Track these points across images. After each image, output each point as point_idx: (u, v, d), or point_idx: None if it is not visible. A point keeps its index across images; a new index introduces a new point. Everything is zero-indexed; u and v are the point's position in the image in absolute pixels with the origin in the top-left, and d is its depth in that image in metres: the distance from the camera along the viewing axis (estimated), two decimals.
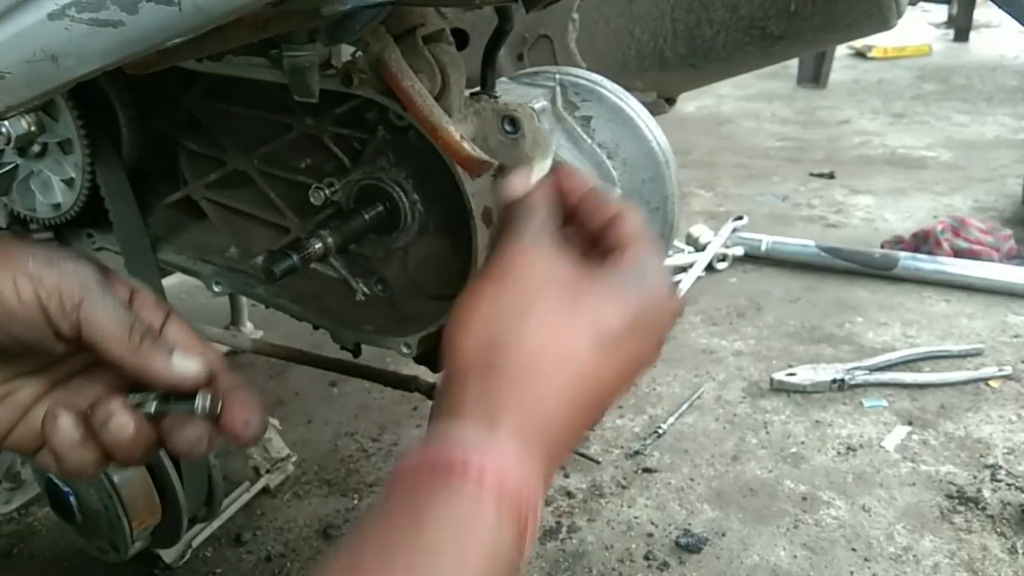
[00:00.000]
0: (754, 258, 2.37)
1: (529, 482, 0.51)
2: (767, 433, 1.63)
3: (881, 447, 1.58)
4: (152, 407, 0.61)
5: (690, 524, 1.40)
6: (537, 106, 0.84)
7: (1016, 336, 1.95)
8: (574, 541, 1.37)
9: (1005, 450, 1.56)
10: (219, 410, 0.60)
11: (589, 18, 1.22)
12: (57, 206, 1.07)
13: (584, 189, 0.64)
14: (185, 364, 0.60)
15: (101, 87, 1.00)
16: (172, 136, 1.04)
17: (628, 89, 0.88)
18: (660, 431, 1.62)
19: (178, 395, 0.61)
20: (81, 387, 0.65)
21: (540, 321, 0.56)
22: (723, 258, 2.34)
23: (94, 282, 0.60)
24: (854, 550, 1.33)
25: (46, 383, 0.65)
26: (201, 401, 0.60)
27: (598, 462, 1.52)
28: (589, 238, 0.62)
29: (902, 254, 2.24)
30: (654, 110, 0.93)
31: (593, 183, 0.65)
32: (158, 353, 0.60)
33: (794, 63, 4.31)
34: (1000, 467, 1.51)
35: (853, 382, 1.75)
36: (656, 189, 0.88)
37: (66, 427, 0.60)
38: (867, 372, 1.78)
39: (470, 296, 0.59)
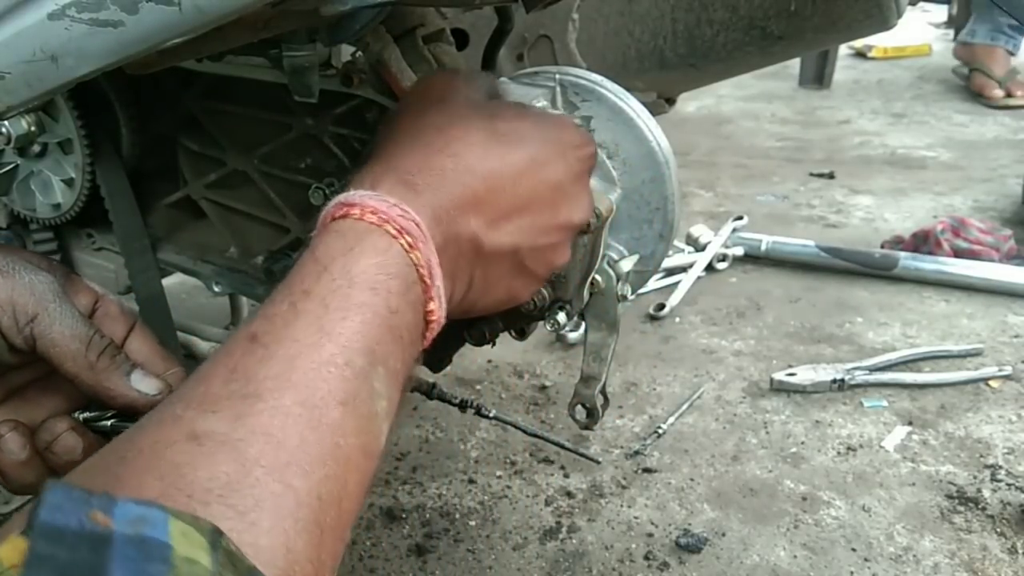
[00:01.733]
0: (754, 258, 2.37)
1: (410, 223, 0.54)
2: (767, 433, 1.63)
3: (881, 447, 1.58)
4: (108, 424, 0.61)
5: (690, 524, 1.40)
6: (537, 106, 0.84)
7: (1016, 336, 1.95)
8: (574, 541, 1.37)
9: (1005, 450, 1.56)
10: None
11: (589, 18, 1.22)
12: (57, 206, 1.07)
13: None
14: (142, 384, 0.60)
15: (101, 87, 1.00)
16: (172, 136, 1.05)
17: (628, 89, 0.88)
18: (660, 431, 1.62)
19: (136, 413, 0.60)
20: (37, 398, 0.64)
21: (436, 114, 0.61)
22: (723, 258, 2.34)
23: (51, 295, 0.59)
24: (854, 550, 1.33)
25: (2, 391, 0.63)
26: None
27: (598, 462, 1.52)
28: None
29: (902, 254, 2.24)
30: (654, 110, 0.93)
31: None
32: (115, 372, 0.60)
33: (795, 63, 4.31)
34: (1000, 467, 1.51)
35: (853, 382, 1.75)
36: (656, 189, 0.88)
37: (12, 447, 0.59)
38: (867, 372, 1.78)
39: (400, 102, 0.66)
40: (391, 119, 0.64)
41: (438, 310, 0.56)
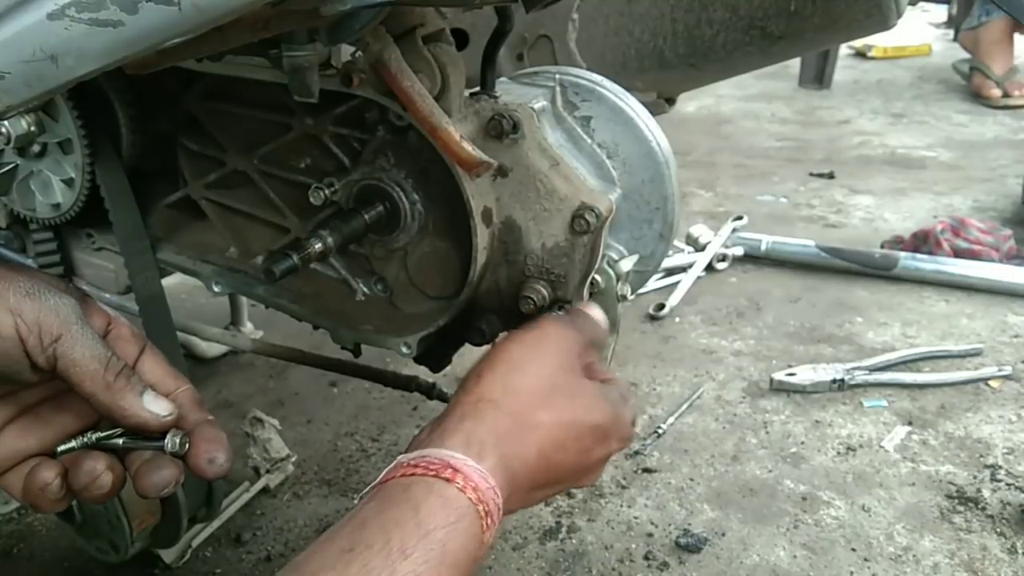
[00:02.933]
0: (754, 258, 2.37)
1: (495, 508, 0.64)
2: (767, 433, 1.63)
3: (881, 447, 1.58)
4: (120, 441, 0.64)
5: (690, 524, 1.40)
6: (537, 106, 0.84)
7: (1016, 336, 1.95)
8: (574, 541, 1.37)
9: (1005, 450, 1.56)
10: (187, 447, 0.64)
11: (589, 18, 1.22)
12: (57, 206, 1.07)
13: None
14: (154, 405, 0.63)
15: (101, 87, 1.00)
16: (172, 136, 1.04)
17: (628, 89, 0.88)
18: (660, 431, 1.62)
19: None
20: (49, 416, 0.66)
21: (544, 398, 0.71)
22: (723, 258, 2.34)
23: (75, 317, 0.62)
24: (854, 550, 1.33)
25: (15, 408, 0.66)
26: (171, 440, 0.63)
27: None
28: None
29: (902, 254, 2.24)
30: (654, 110, 0.93)
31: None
32: (130, 393, 0.62)
33: (795, 63, 4.31)
34: (1000, 467, 1.51)
35: (853, 382, 1.75)
36: (656, 189, 0.88)
37: (54, 489, 0.64)
38: (867, 372, 1.78)
39: (506, 344, 0.75)
40: (502, 373, 0.72)
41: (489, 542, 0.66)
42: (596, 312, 0.83)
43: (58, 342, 0.60)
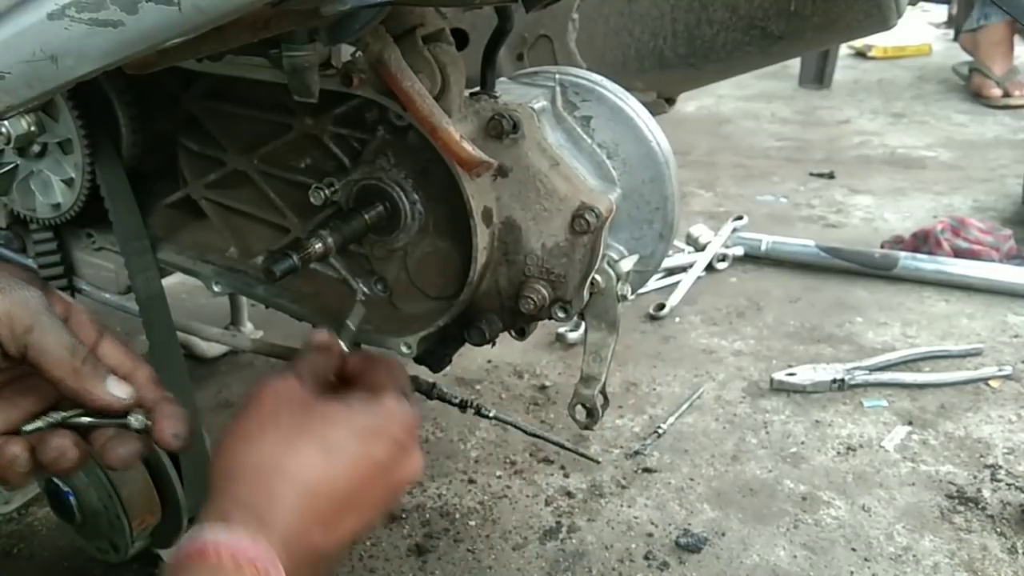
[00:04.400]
0: (754, 258, 2.37)
1: (262, 555, 0.62)
2: (767, 433, 1.63)
3: (881, 447, 1.58)
4: (85, 420, 0.69)
5: (690, 524, 1.40)
6: (537, 106, 0.84)
7: (1016, 336, 1.95)
8: (574, 541, 1.37)
9: (1005, 450, 1.56)
10: (150, 424, 0.69)
11: (589, 18, 1.22)
12: (57, 206, 1.07)
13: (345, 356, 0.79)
14: (117, 389, 0.68)
15: (101, 87, 1.00)
16: (172, 136, 1.04)
17: (628, 89, 0.88)
18: (660, 431, 1.62)
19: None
20: (14, 398, 0.70)
21: (268, 438, 0.68)
22: (723, 258, 2.34)
23: (43, 308, 0.66)
24: (854, 550, 1.33)
25: None
26: (135, 418, 0.68)
27: (598, 462, 1.52)
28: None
29: (902, 254, 2.24)
30: (654, 110, 0.93)
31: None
32: (95, 378, 0.67)
33: (795, 63, 4.30)
34: (1000, 467, 1.51)
35: (853, 382, 1.75)
36: (656, 189, 0.88)
37: (22, 462, 0.67)
38: (867, 372, 1.78)
39: (230, 423, 0.71)
40: (226, 447, 0.70)
41: None
42: (321, 336, 0.79)
43: (29, 333, 0.65)
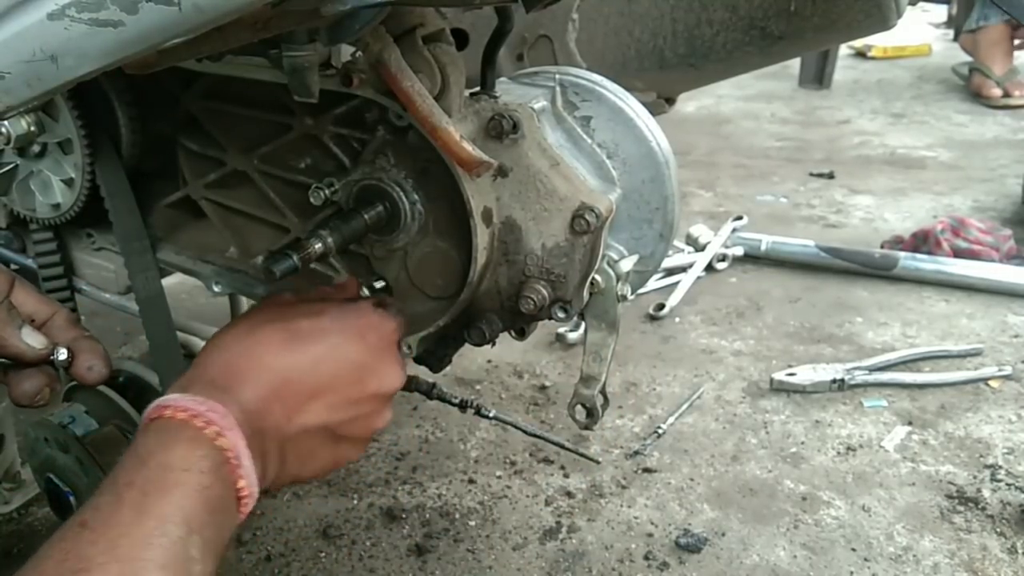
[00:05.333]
0: (754, 258, 2.37)
1: (216, 415, 0.63)
2: (767, 433, 1.63)
3: (881, 447, 1.58)
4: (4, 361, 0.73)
5: (690, 524, 1.40)
6: (537, 106, 0.84)
7: (1016, 336, 1.95)
8: (574, 541, 1.37)
9: (1005, 450, 1.56)
10: (71, 359, 0.73)
11: (589, 18, 1.22)
12: (57, 206, 1.07)
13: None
14: (31, 338, 0.73)
15: (101, 87, 1.00)
16: (172, 136, 1.04)
17: (628, 89, 0.88)
18: (660, 431, 1.62)
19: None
20: None
21: (240, 327, 0.72)
22: (723, 258, 2.34)
23: None
24: (854, 550, 1.33)
25: None
26: (57, 355, 0.73)
27: (598, 462, 1.52)
28: None
29: (902, 254, 2.24)
30: (654, 110, 0.93)
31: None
32: (10, 326, 0.71)
33: (795, 63, 4.31)
34: (1000, 467, 1.51)
35: (853, 382, 1.75)
36: (656, 189, 0.88)
37: None
38: (867, 372, 1.78)
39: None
40: (213, 335, 0.74)
41: (249, 486, 0.65)
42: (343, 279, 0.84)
43: None
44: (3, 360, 0.72)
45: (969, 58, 4.07)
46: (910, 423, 1.64)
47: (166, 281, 1.12)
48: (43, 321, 0.75)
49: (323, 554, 1.36)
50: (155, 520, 0.57)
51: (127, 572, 0.55)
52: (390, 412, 0.80)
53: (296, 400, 0.70)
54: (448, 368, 1.02)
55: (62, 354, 0.73)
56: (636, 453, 1.57)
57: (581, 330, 1.85)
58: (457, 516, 1.43)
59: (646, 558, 1.33)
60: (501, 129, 0.81)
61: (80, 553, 0.56)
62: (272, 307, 0.76)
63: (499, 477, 1.52)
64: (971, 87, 4.00)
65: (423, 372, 1.03)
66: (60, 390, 0.76)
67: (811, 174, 3.09)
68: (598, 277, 0.86)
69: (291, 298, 0.78)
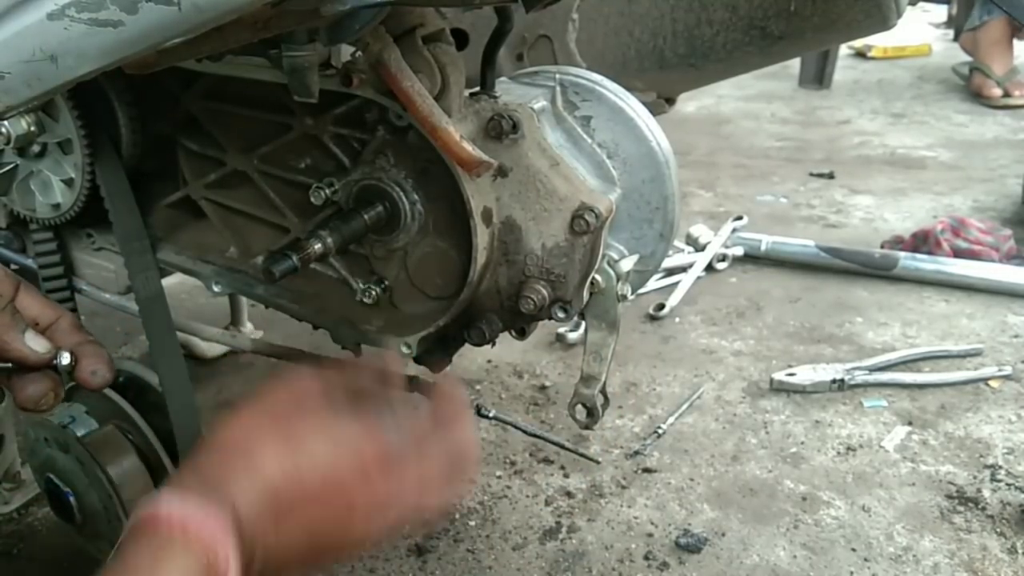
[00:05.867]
0: (754, 258, 2.37)
1: (215, 529, 0.61)
2: (767, 433, 1.63)
3: (881, 447, 1.58)
4: (10, 365, 0.72)
5: (690, 524, 1.40)
6: (537, 106, 0.84)
7: (1016, 336, 1.95)
8: (574, 541, 1.37)
9: (1005, 450, 1.56)
10: (75, 364, 0.73)
11: (589, 18, 1.22)
12: (57, 206, 1.07)
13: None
14: (34, 342, 0.71)
15: (101, 87, 1.00)
16: (172, 136, 1.04)
17: (628, 89, 0.88)
18: (660, 431, 1.62)
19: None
20: None
21: (250, 422, 0.68)
22: (723, 258, 2.34)
23: None
24: (854, 550, 1.33)
25: None
26: (61, 359, 0.72)
27: (598, 462, 1.52)
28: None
29: (902, 254, 2.24)
30: (654, 110, 0.93)
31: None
32: (13, 329, 0.70)
33: (795, 63, 4.30)
34: (1000, 467, 1.51)
35: (853, 382, 1.75)
36: (656, 189, 0.88)
37: None
38: (867, 372, 1.78)
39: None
40: (221, 422, 0.70)
41: None
42: (385, 359, 0.78)
43: None
44: (7, 364, 0.72)
45: (969, 58, 4.07)
46: (910, 423, 1.64)
47: (166, 281, 1.12)
48: (47, 325, 0.75)
49: None
50: None
51: None
52: (374, 532, 0.74)
53: (283, 511, 0.67)
54: (448, 368, 1.02)
55: (65, 358, 0.73)
56: (636, 453, 1.57)
57: (581, 330, 1.85)
58: (457, 516, 1.43)
59: (646, 558, 1.33)
60: (501, 129, 0.81)
61: None
62: (283, 399, 0.71)
63: (499, 477, 1.52)
64: (971, 87, 4.00)
65: (423, 372, 1.03)
66: (63, 395, 0.75)
67: (811, 174, 3.09)
68: (598, 277, 0.86)
69: (310, 383, 0.72)
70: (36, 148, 1.04)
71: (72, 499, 1.11)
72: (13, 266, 1.21)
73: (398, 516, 0.73)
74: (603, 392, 0.94)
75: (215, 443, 0.68)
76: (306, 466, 0.68)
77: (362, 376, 0.75)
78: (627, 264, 0.88)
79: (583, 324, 0.91)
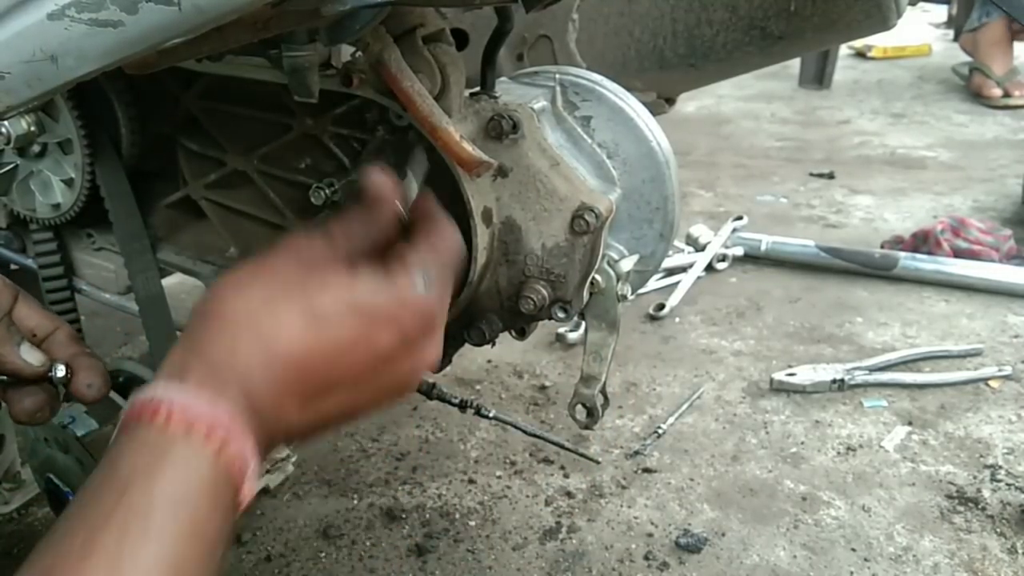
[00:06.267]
0: (754, 258, 2.37)
1: (222, 420, 0.53)
2: (767, 433, 1.63)
3: (881, 447, 1.58)
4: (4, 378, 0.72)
5: (690, 524, 1.40)
6: (537, 106, 0.84)
7: (1016, 336, 1.95)
8: (574, 541, 1.37)
9: (1005, 450, 1.56)
10: (69, 376, 0.72)
11: (589, 18, 1.22)
12: (57, 206, 1.07)
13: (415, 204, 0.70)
14: (29, 355, 0.70)
15: (101, 87, 1.00)
16: (172, 136, 1.04)
17: (628, 89, 0.88)
18: (660, 431, 1.62)
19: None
20: None
21: (254, 292, 0.59)
22: (723, 258, 2.34)
23: None
24: (854, 550, 1.33)
25: None
26: (56, 371, 0.72)
27: (598, 462, 1.52)
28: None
29: (902, 254, 2.24)
30: (654, 110, 0.93)
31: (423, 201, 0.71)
32: (8, 343, 0.70)
33: (795, 63, 4.31)
34: (1000, 467, 1.51)
35: (853, 382, 1.75)
36: (656, 189, 0.88)
37: None
38: (867, 372, 1.78)
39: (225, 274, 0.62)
40: (215, 290, 0.61)
41: (250, 492, 0.55)
42: (378, 185, 0.67)
43: None
44: (2, 377, 0.72)
45: (969, 59, 4.07)
46: (910, 423, 1.64)
47: (166, 281, 1.12)
48: (44, 336, 0.73)
49: (323, 554, 1.36)
50: (137, 572, 0.47)
51: None
52: (414, 386, 0.70)
53: (313, 393, 0.60)
54: (448, 368, 1.02)
55: (60, 371, 0.73)
56: (636, 453, 1.57)
57: (581, 330, 1.85)
58: (457, 516, 1.43)
59: (646, 558, 1.33)
60: (501, 129, 0.81)
61: None
62: (291, 265, 0.62)
63: (499, 477, 1.52)
64: (971, 87, 4.00)
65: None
66: (60, 407, 0.75)
67: (811, 174, 3.09)
68: (598, 277, 0.86)
69: (316, 245, 0.64)
70: (36, 148, 1.04)
71: (72, 499, 1.11)
72: (13, 266, 1.21)
73: (425, 370, 0.66)
74: (603, 392, 0.94)
75: (215, 316, 0.59)
76: (321, 334, 0.59)
77: (358, 224, 0.66)
78: (627, 264, 0.88)
79: (583, 324, 0.91)
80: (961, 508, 1.42)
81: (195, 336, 0.58)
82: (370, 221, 0.66)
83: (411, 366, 0.64)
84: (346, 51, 0.85)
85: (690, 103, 4.01)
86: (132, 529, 0.48)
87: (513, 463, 1.55)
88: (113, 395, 1.06)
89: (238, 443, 0.53)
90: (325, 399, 0.60)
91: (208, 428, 0.52)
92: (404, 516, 1.43)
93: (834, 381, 1.75)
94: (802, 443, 1.60)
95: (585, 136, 0.87)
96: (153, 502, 0.49)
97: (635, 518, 1.42)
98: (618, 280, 0.87)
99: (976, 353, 1.87)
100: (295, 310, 0.59)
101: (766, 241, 2.35)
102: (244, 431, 0.54)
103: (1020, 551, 1.32)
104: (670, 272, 2.25)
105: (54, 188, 1.06)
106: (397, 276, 0.63)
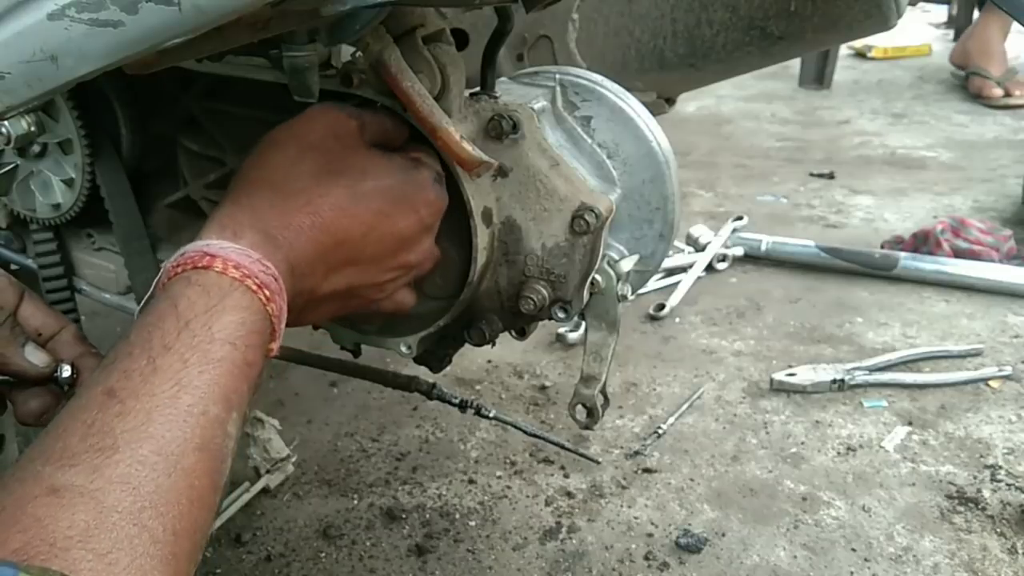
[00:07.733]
0: (754, 258, 2.37)
1: (270, 281, 0.60)
2: (767, 433, 1.63)
3: (881, 447, 1.58)
4: (10, 379, 0.71)
5: (690, 524, 1.40)
6: (537, 106, 0.84)
7: (1016, 336, 1.95)
8: (574, 541, 1.37)
9: (1005, 450, 1.56)
10: (75, 377, 0.71)
11: (589, 18, 1.22)
12: (57, 206, 1.07)
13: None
14: (34, 356, 0.70)
15: (101, 87, 1.00)
16: (172, 136, 1.04)
17: (628, 89, 0.88)
18: (660, 431, 1.62)
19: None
20: None
21: (306, 166, 0.67)
22: (723, 258, 2.34)
23: None
24: (854, 550, 1.33)
25: None
26: (61, 372, 0.71)
27: (598, 462, 1.52)
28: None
29: (902, 254, 2.24)
30: (654, 110, 0.93)
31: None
32: (13, 343, 0.69)
33: (795, 63, 4.30)
34: (1000, 467, 1.51)
35: (853, 382, 1.75)
36: (656, 189, 0.88)
37: None
38: (867, 372, 1.78)
39: (271, 132, 0.71)
40: (262, 154, 0.69)
41: (277, 346, 0.62)
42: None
43: None
44: (7, 378, 0.71)
45: (961, 72, 4.06)
46: (910, 423, 1.64)
47: None
48: (50, 336, 0.73)
49: (323, 554, 1.36)
50: (193, 396, 0.53)
51: (160, 450, 0.50)
52: (410, 294, 0.81)
53: (336, 263, 0.67)
54: (448, 368, 1.02)
55: (66, 371, 0.72)
56: (636, 453, 1.57)
57: (581, 330, 1.85)
58: (457, 516, 1.43)
59: (646, 558, 1.33)
60: (501, 129, 0.81)
61: (107, 427, 0.50)
62: (331, 142, 0.70)
63: (499, 477, 1.52)
64: (971, 89, 3.99)
65: (423, 372, 1.03)
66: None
67: (811, 174, 3.09)
68: (598, 277, 0.86)
69: (351, 126, 0.72)
70: (36, 148, 1.04)
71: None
72: (13, 266, 1.21)
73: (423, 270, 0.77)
74: (603, 392, 0.94)
75: (267, 184, 0.66)
76: (359, 210, 0.67)
77: (382, 122, 0.75)
78: (627, 264, 0.88)
79: (583, 324, 0.91)
80: (961, 508, 1.42)
81: (248, 198, 0.65)
82: (391, 124, 0.75)
83: (413, 250, 0.73)
84: (346, 51, 0.85)
85: (690, 103, 4.00)
86: (192, 358, 0.54)
87: (513, 463, 1.55)
88: None
89: (279, 301, 0.60)
90: (345, 271, 0.68)
91: (259, 284, 0.59)
92: (404, 516, 1.43)
93: (834, 381, 1.75)
94: (802, 443, 1.60)
95: (585, 136, 0.87)
96: (213, 336, 0.55)
97: (635, 518, 1.42)
98: (618, 280, 0.87)
99: (976, 353, 1.87)
100: (342, 185, 0.67)
101: (766, 241, 2.35)
102: (283, 291, 0.61)
103: (1020, 551, 1.32)
104: (670, 272, 2.25)
105: (54, 188, 1.06)
106: (422, 169, 0.73)
